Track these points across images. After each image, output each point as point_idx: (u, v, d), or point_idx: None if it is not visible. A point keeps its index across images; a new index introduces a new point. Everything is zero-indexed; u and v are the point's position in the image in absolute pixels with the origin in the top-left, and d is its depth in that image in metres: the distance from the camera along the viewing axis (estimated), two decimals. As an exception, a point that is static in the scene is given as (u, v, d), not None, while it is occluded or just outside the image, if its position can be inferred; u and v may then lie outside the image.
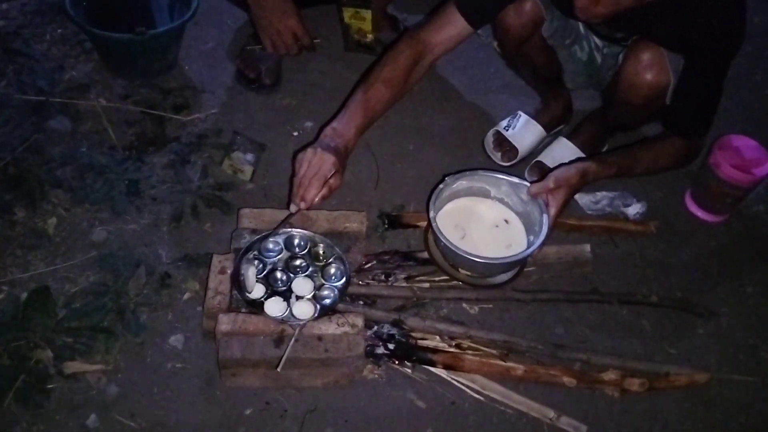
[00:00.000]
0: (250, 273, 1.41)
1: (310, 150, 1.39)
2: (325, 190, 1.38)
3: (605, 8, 1.28)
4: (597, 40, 1.70)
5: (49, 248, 1.58)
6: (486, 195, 1.59)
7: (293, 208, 1.42)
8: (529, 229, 1.52)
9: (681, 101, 1.49)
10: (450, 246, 1.43)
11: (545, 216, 1.46)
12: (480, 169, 1.58)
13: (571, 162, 1.57)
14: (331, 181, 1.39)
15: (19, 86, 1.86)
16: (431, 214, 1.47)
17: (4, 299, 1.48)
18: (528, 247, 1.48)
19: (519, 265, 1.52)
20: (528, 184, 1.50)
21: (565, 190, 1.45)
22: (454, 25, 1.52)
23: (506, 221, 1.56)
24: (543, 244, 1.44)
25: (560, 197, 1.44)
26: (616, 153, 1.64)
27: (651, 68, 1.47)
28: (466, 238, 1.52)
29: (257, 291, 1.43)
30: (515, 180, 1.54)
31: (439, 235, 1.44)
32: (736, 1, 1.36)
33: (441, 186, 1.53)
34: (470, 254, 1.42)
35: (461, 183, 1.56)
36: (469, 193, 1.59)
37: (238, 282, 1.42)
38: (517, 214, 1.57)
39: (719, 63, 1.41)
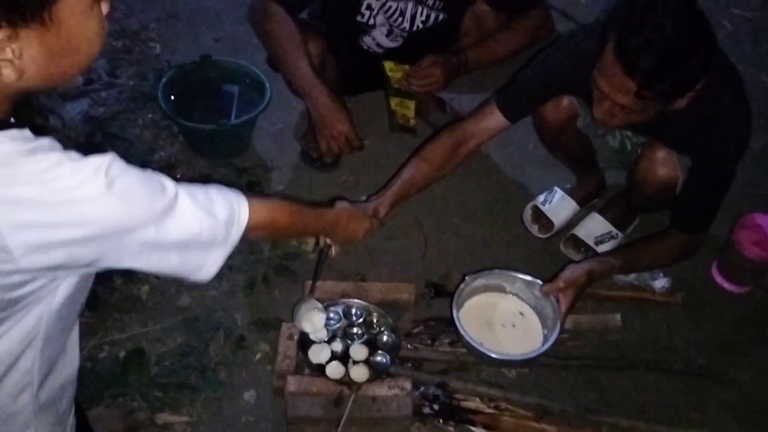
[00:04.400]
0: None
1: (343, 205, 1.55)
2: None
3: (619, 121, 1.48)
4: (627, 131, 1.88)
5: (142, 312, 1.82)
6: (503, 291, 1.77)
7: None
8: (543, 321, 1.70)
9: (686, 200, 1.65)
10: (471, 343, 1.61)
11: (557, 313, 1.62)
12: (496, 269, 1.77)
13: (580, 261, 1.75)
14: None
15: (117, 167, 2.15)
16: (454, 312, 1.65)
17: (105, 357, 1.73)
18: (544, 342, 1.64)
19: (534, 360, 1.67)
20: (540, 282, 1.68)
21: (573, 289, 1.63)
22: (493, 119, 1.74)
23: (521, 314, 1.73)
24: (557, 340, 1.61)
25: (569, 296, 1.63)
26: (620, 251, 1.81)
27: (663, 165, 1.66)
28: (486, 335, 1.68)
29: (322, 355, 1.63)
30: (528, 278, 1.72)
31: (462, 333, 1.62)
32: (739, 115, 1.52)
33: (462, 286, 1.71)
34: (488, 351, 1.61)
35: (480, 281, 1.74)
36: (487, 289, 1.77)
37: (303, 344, 1.64)
38: (532, 307, 1.74)
39: (721, 170, 1.57)
